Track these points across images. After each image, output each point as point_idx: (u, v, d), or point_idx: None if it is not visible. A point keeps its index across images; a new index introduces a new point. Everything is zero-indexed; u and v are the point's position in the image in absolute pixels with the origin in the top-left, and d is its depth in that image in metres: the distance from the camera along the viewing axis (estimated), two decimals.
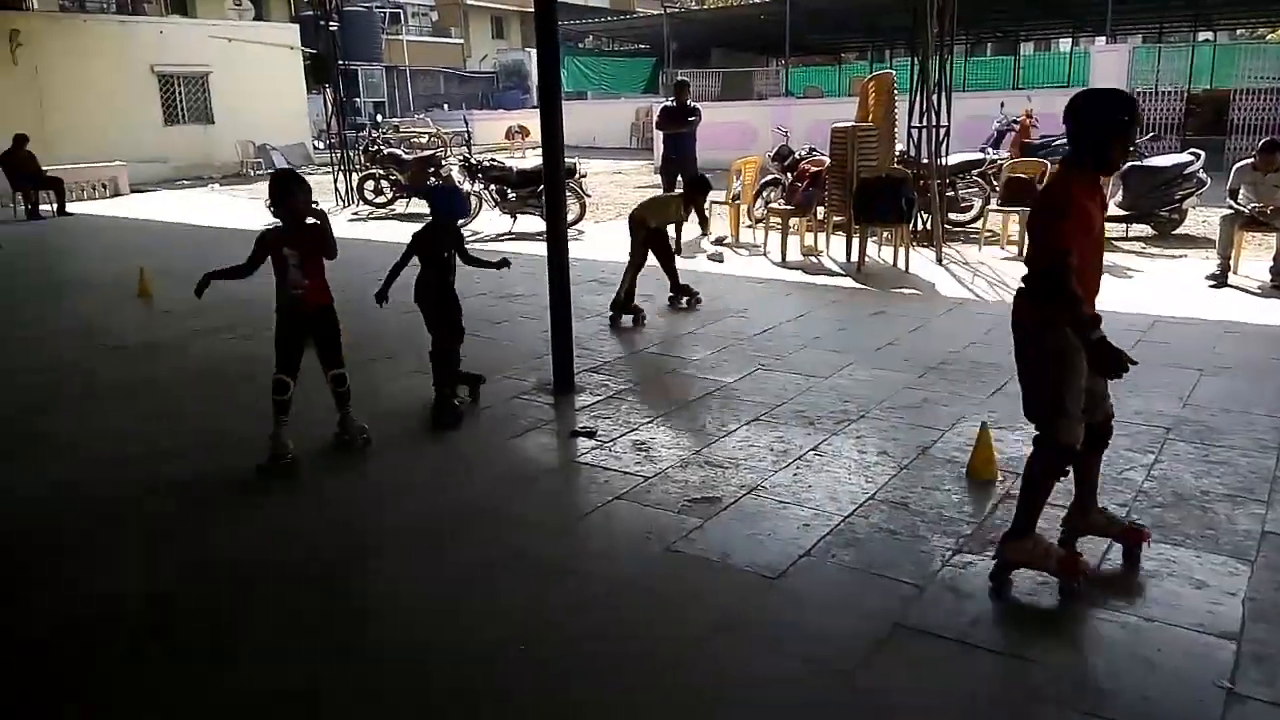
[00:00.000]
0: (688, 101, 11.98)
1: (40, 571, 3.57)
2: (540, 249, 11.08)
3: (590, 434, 4.82)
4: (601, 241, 11.26)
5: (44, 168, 15.75)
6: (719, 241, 10.91)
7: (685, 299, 7.83)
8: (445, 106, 39.36)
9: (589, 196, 12.74)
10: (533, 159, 19.73)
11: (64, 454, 4.80)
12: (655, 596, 3.21)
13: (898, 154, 10.60)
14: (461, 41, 44.85)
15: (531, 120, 32.44)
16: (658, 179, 14.83)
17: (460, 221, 5.63)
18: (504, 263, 5.52)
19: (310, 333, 4.61)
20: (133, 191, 19.23)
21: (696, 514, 3.79)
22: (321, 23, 15.89)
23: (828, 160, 10.23)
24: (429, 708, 2.66)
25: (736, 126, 20.46)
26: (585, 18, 38.40)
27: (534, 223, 12.50)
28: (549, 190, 5.44)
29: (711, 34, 31.64)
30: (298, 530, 3.86)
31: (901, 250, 9.12)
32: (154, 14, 27.46)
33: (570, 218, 12.53)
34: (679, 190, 9.28)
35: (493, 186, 12.48)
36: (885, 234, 9.89)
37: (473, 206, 12.54)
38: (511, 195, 12.48)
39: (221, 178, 22.58)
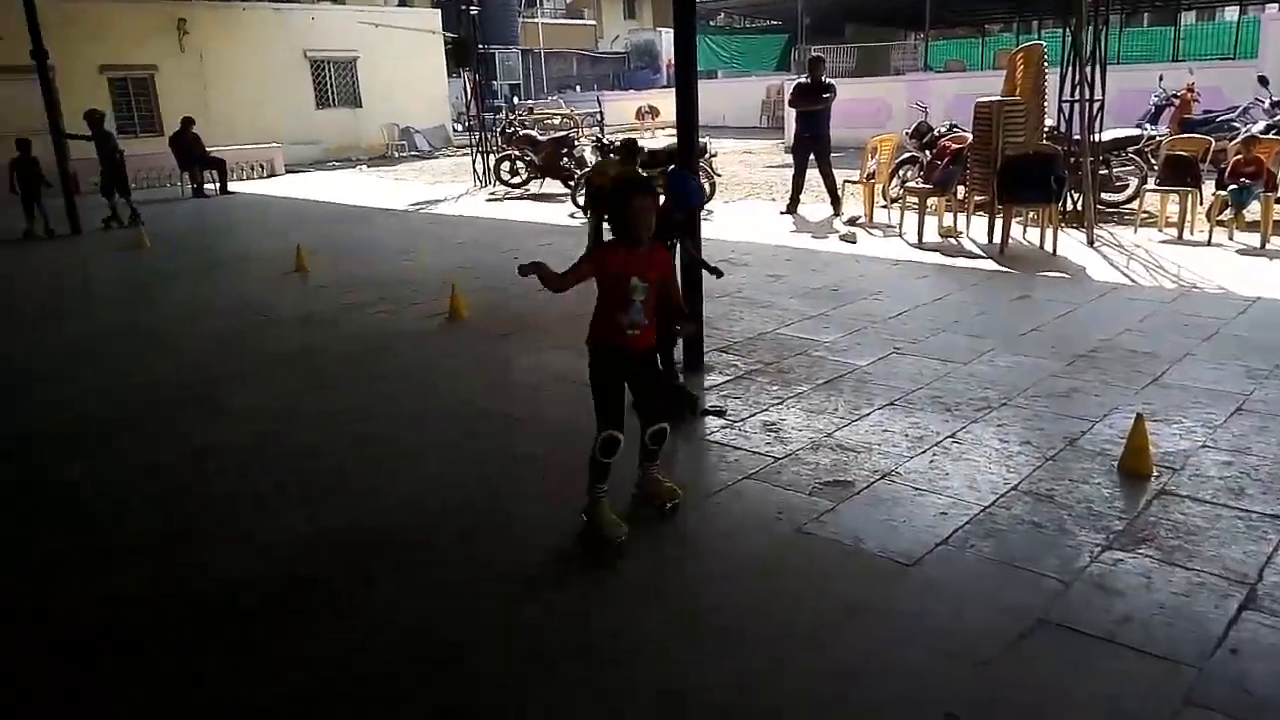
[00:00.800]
0: (822, 78, 11.72)
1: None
2: None
3: (719, 413, 4.82)
4: (730, 221, 11.20)
5: (208, 149, 16.88)
6: (852, 221, 10.68)
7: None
8: (578, 88, 39.88)
9: (719, 176, 12.67)
10: (662, 139, 19.77)
11: (229, 415, 5.16)
12: (785, 577, 3.20)
13: (1047, 130, 10.08)
14: (594, 23, 45.25)
15: (661, 100, 32.54)
16: (788, 157, 14.62)
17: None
18: (718, 271, 4.94)
19: (631, 379, 3.59)
20: (287, 172, 20.39)
21: (828, 497, 3.75)
22: (463, 7, 16.33)
23: (970, 137, 9.83)
24: (549, 672, 2.74)
25: (871, 103, 19.89)
26: None
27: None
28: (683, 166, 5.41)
29: (846, 8, 30.75)
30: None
31: (1049, 231, 8.68)
32: (305, 1, 28.94)
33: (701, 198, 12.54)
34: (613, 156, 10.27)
35: None
36: (1031, 214, 9.45)
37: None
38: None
39: (368, 159, 23.63)
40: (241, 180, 18.55)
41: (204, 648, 2.94)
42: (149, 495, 4.17)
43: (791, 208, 11.92)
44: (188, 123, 16.42)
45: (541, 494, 3.97)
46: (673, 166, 4.70)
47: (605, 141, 12.67)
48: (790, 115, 15.14)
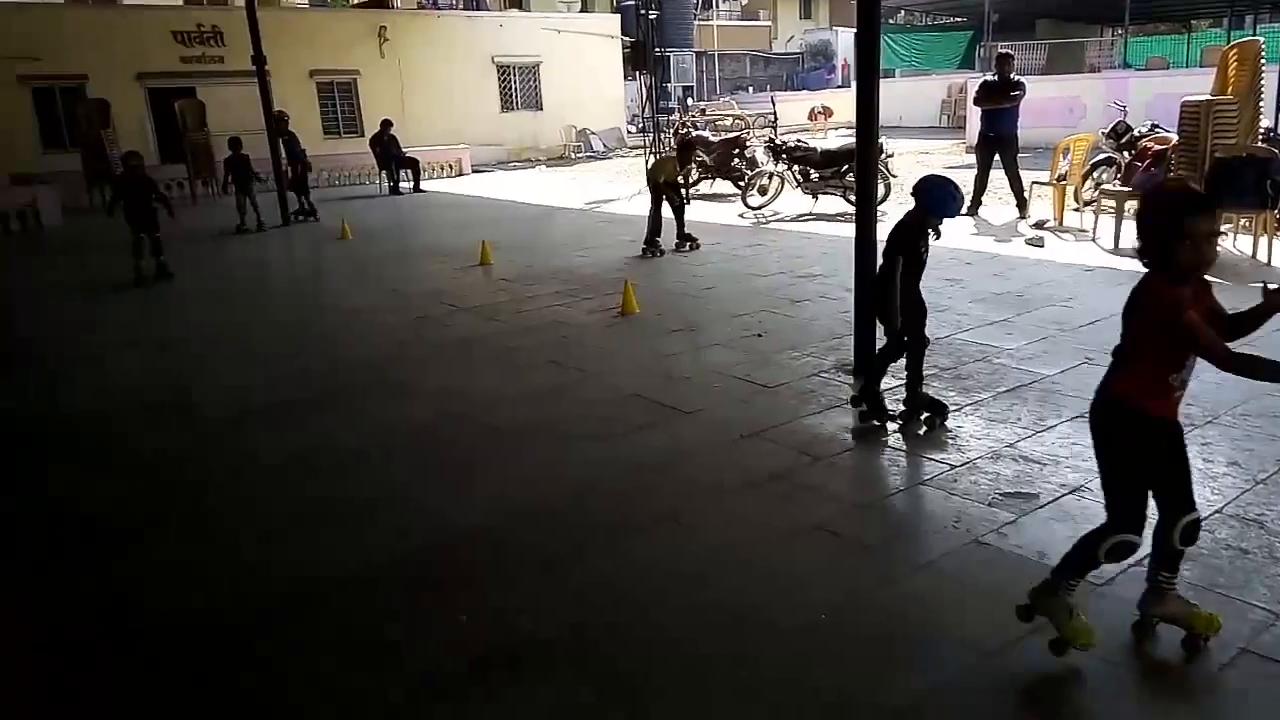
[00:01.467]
0: (1010, 75, 11.21)
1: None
2: (839, 230, 11.12)
3: (893, 416, 4.74)
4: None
5: (403, 149, 18.01)
6: (1039, 225, 10.16)
7: (687, 244, 10.03)
8: (750, 89, 39.78)
9: (895, 177, 12.33)
10: (835, 139, 19.43)
11: (421, 397, 5.52)
12: (962, 586, 3.12)
13: (1262, 131, 9.24)
14: (769, 24, 44.98)
15: (835, 100, 31.96)
16: (969, 158, 14.05)
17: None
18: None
19: (1169, 457, 2.60)
20: (473, 171, 21.45)
21: (1009, 508, 3.62)
22: (641, 12, 16.65)
23: (1174, 137, 9.15)
24: (708, 668, 2.80)
25: (1063, 102, 18.82)
26: None
27: (834, 203, 12.36)
28: (860, 170, 5.35)
29: (1037, 3, 29.17)
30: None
31: (1264, 240, 7.96)
32: (494, 9, 30.31)
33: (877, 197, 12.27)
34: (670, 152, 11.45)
35: (796, 167, 12.49)
36: (1243, 221, 8.68)
37: (776, 186, 12.66)
38: (814, 175, 12.42)
39: (547, 160, 24.51)
40: (432, 179, 19.65)
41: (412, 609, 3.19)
42: (357, 466, 4.53)
43: (972, 209, 11.44)
44: (386, 124, 17.58)
45: (706, 486, 4.03)
46: (929, 174, 4.48)
47: (779, 142, 12.59)
48: (974, 115, 14.54)
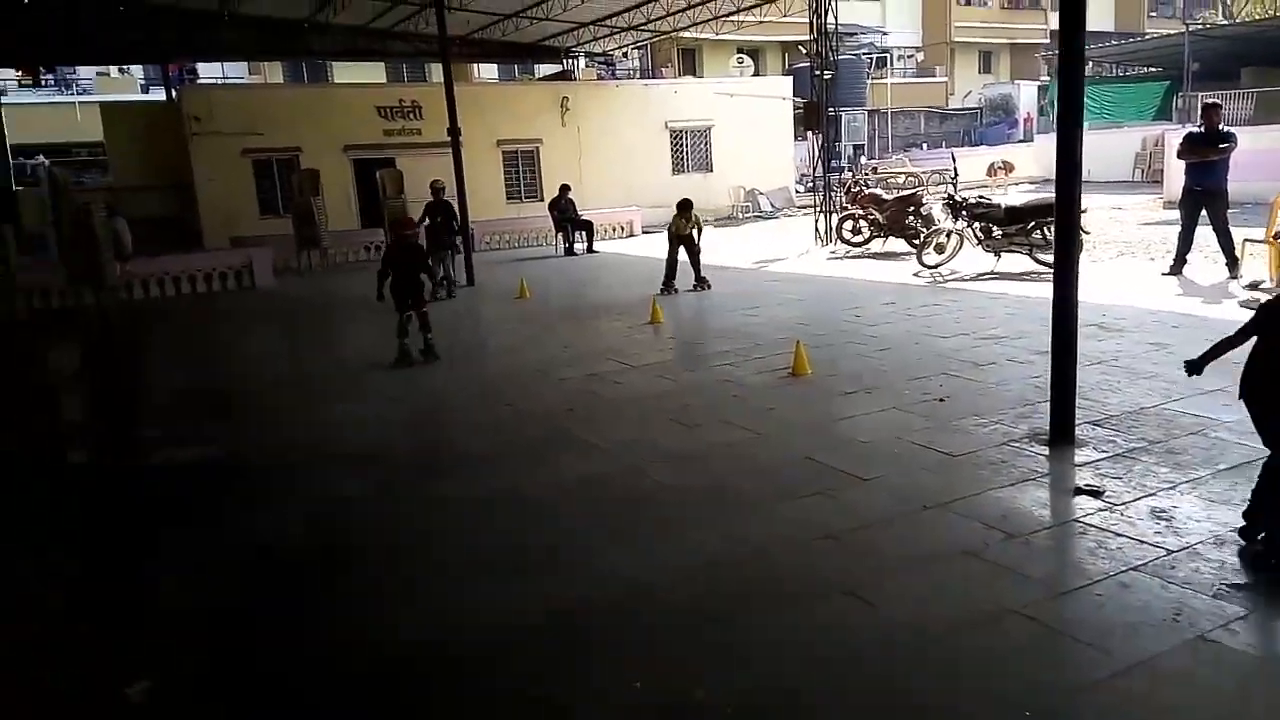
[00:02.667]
0: (1219, 126, 10.40)
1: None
2: (1024, 290, 10.57)
3: (1097, 493, 4.37)
4: (1101, 282, 10.19)
5: (579, 212, 18.68)
6: (1254, 285, 9.27)
7: (700, 286, 12.08)
8: (924, 145, 38.90)
9: (1089, 234, 11.61)
10: (1016, 195, 18.60)
11: (599, 451, 5.59)
12: (1188, 691, 2.79)
13: None
14: (945, 80, 44.03)
15: (1015, 155, 30.74)
16: (1165, 214, 13.09)
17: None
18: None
19: None
20: (643, 232, 21.96)
21: (1240, 601, 3.23)
22: (816, 73, 16.68)
23: None
24: None
25: (1276, 154, 17.24)
26: (1089, 43, 35.41)
27: (1018, 261, 11.79)
28: (1061, 228, 5.05)
29: (1242, 50, 27.16)
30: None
31: None
32: (669, 76, 31.25)
33: None
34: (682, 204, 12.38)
35: (977, 224, 12.01)
36: None
37: (955, 244, 12.21)
38: (997, 233, 11.90)
39: (714, 220, 24.78)
40: (605, 240, 20.25)
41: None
42: (536, 517, 4.62)
43: (1176, 268, 10.62)
44: (564, 189, 18.33)
45: (888, 559, 3.83)
46: None
47: (960, 198, 12.17)
48: (1175, 168, 13.54)
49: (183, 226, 20.40)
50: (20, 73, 30.03)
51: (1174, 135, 12.17)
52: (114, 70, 32.26)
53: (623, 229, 21.66)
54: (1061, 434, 5.15)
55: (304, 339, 10.82)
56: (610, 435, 5.89)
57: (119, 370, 9.99)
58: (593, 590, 3.73)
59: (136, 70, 32.56)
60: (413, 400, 7.44)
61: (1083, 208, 11.38)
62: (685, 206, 12.41)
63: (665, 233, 12.62)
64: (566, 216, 18.24)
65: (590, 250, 18.33)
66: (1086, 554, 3.84)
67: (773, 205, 25.69)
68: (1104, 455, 4.90)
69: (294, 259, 17.48)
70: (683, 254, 12.25)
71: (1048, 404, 5.80)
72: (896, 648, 3.17)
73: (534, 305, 12.17)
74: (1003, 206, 11.88)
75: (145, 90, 31.63)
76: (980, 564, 3.73)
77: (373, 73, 30.45)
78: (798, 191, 27.92)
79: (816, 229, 17.31)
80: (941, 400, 6.11)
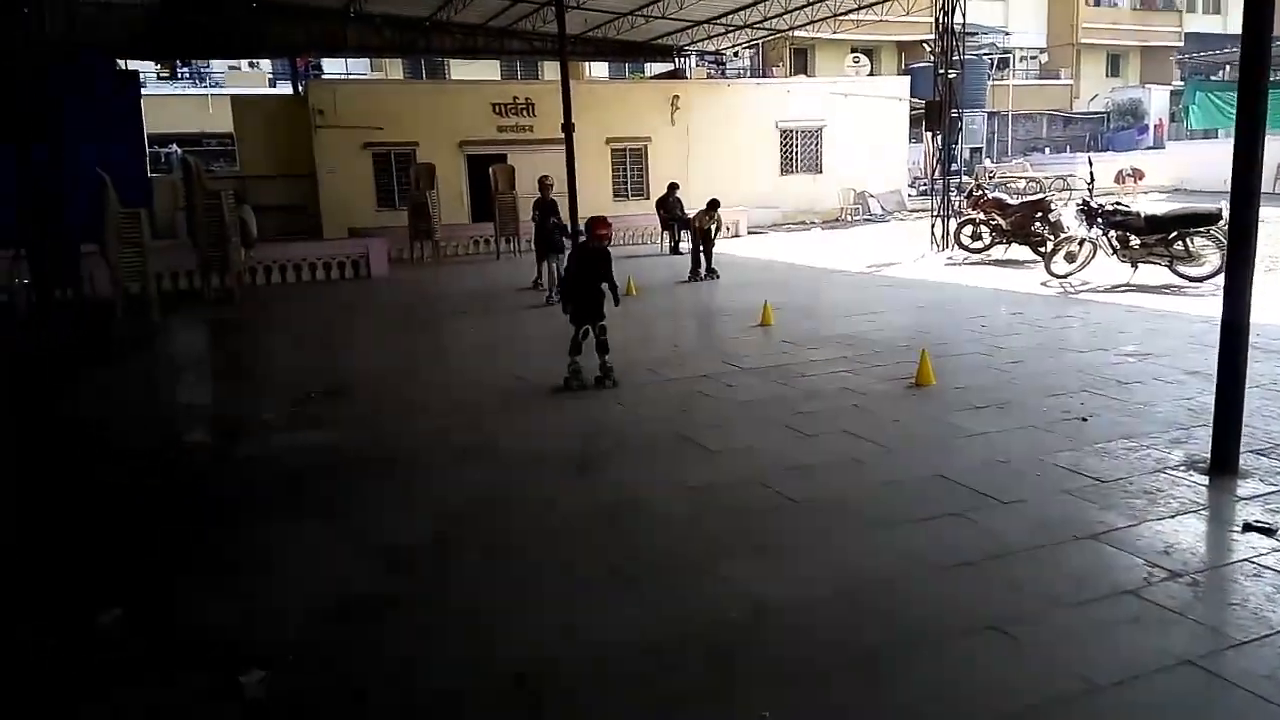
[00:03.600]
0: None
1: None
2: (1164, 303, 9.89)
3: (1270, 531, 3.95)
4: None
5: (685, 212, 18.48)
6: None
7: (710, 276, 13.91)
8: (1047, 150, 37.32)
9: None
10: (1151, 203, 17.55)
11: (716, 456, 5.40)
12: None
13: None
14: (1070, 83, 42.08)
15: (1145, 161, 29.13)
16: None
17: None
18: None
19: None
20: (749, 233, 21.64)
21: None
22: (940, 72, 16.07)
23: None
24: None
25: None
26: (1225, 47, 33.28)
27: (1155, 274, 11.07)
28: (1235, 235, 4.60)
29: None
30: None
31: None
32: (779, 75, 30.76)
33: (1209, 270, 10.83)
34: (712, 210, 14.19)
35: (1113, 233, 11.31)
36: None
37: (1087, 253, 11.54)
38: (1135, 242, 11.19)
39: (822, 222, 24.26)
40: None
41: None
42: (654, 529, 4.46)
43: None
44: (673, 187, 18.18)
45: (1036, 594, 3.52)
46: None
47: (1095, 205, 11.48)
48: None
49: (305, 216, 21.12)
50: (158, 65, 31.68)
51: None
52: (244, 64, 33.76)
53: (729, 229, 21.34)
54: (1223, 463, 4.70)
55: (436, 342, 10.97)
56: (723, 442, 5.68)
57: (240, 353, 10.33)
58: (719, 613, 3.52)
59: (265, 65, 33.98)
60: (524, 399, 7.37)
61: (1227, 218, 10.74)
62: (713, 205, 14.29)
63: (690, 227, 15.03)
64: (674, 216, 18.09)
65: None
66: (1264, 600, 3.44)
67: (883, 208, 24.98)
68: (1273, 489, 4.45)
69: (407, 250, 17.87)
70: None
71: (1203, 429, 5.38)
72: (1054, 694, 2.87)
73: (640, 304, 12.03)
74: (1142, 215, 11.16)
75: (273, 84, 32.99)
76: (1143, 605, 3.39)
77: (487, 70, 30.98)
78: (910, 195, 27.10)
79: (933, 233, 16.69)
80: (1084, 420, 5.69)
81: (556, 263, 11.54)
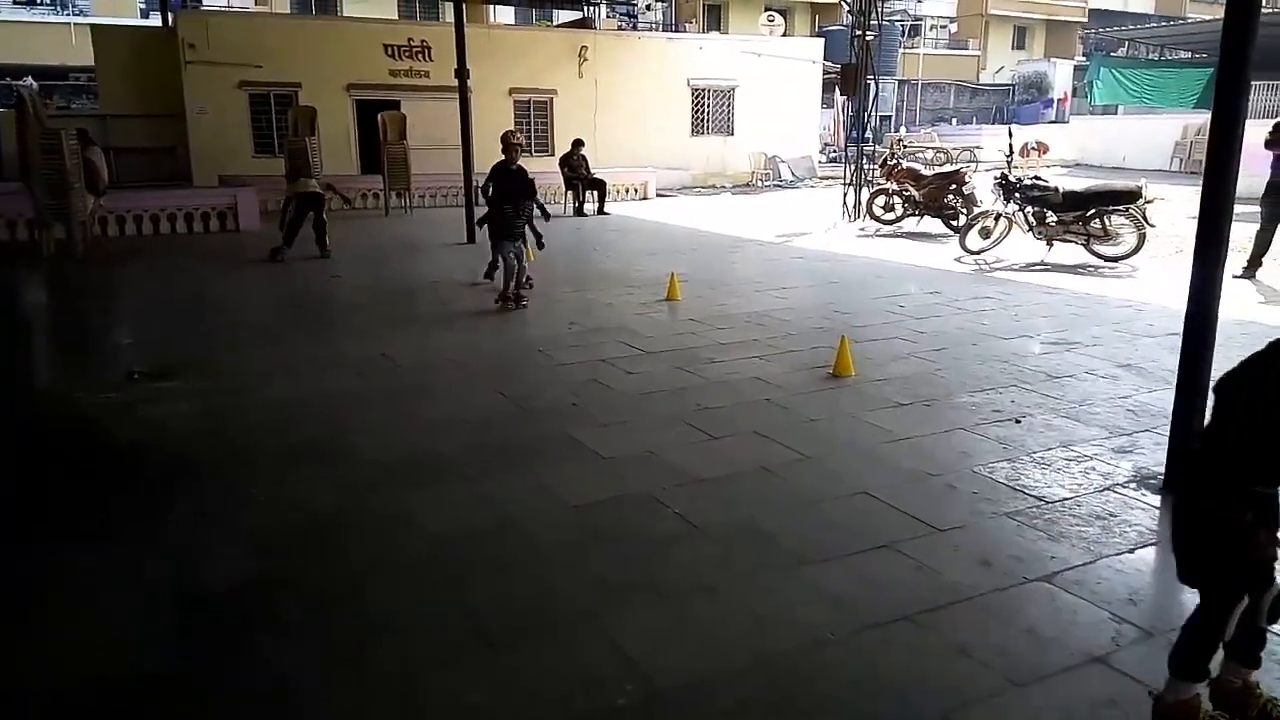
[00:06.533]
0: None
1: None
2: (1085, 285, 9.52)
3: None
4: (1168, 285, 9.15)
5: (591, 170, 17.53)
6: None
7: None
8: (954, 121, 37.58)
9: (1153, 226, 10.58)
10: (1063, 178, 17.51)
11: (599, 462, 4.60)
12: None
13: None
14: (979, 54, 42.45)
15: (1049, 135, 29.45)
16: (1245, 209, 11.97)
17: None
18: None
19: None
20: (657, 195, 20.80)
21: None
22: (858, 33, 15.45)
23: None
24: None
25: None
26: (1126, 24, 33.93)
27: (1070, 253, 10.77)
28: (1204, 225, 4.00)
29: None
30: None
31: None
32: (694, 31, 29.82)
33: (1125, 250, 10.57)
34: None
35: (1030, 208, 10.93)
36: None
37: (1003, 229, 11.14)
38: (1051, 219, 10.84)
39: (733, 186, 23.62)
40: (617, 201, 19.13)
41: None
42: (529, 560, 3.64)
43: (1250, 271, 9.60)
44: (578, 144, 17.16)
45: (990, 666, 2.85)
46: None
47: (1014, 179, 11.07)
48: (1262, 160, 12.26)
49: (174, 160, 19.28)
50: None
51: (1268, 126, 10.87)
52: None
53: (635, 190, 20.55)
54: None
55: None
56: (620, 442, 4.88)
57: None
58: (606, 690, 2.76)
59: None
60: (390, 376, 6.41)
61: (1148, 198, 10.46)
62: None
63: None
64: (578, 174, 17.12)
65: (601, 211, 17.22)
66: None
67: (794, 174, 24.52)
68: None
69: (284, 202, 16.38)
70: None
71: (1146, 435, 4.91)
72: None
73: (536, 269, 11.10)
74: (1060, 191, 10.80)
75: (145, 15, 30.26)
76: (1118, 680, 2.76)
77: (384, 8, 29.06)
78: (820, 162, 26.73)
79: (845, 203, 16.20)
80: (1018, 421, 5.11)
81: (515, 252, 8.60)
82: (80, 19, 29.32)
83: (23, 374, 6.88)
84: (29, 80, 25.89)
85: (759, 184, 24.14)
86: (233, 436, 5.12)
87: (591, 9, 26.49)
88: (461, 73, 13.16)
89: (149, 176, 18.24)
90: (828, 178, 24.12)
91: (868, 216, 14.89)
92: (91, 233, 12.51)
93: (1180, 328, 4.16)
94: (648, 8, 30.31)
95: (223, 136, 18.67)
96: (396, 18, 28.83)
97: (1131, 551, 3.61)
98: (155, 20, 25.24)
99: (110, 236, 13.35)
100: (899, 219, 14.34)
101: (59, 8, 31.07)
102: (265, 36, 19.47)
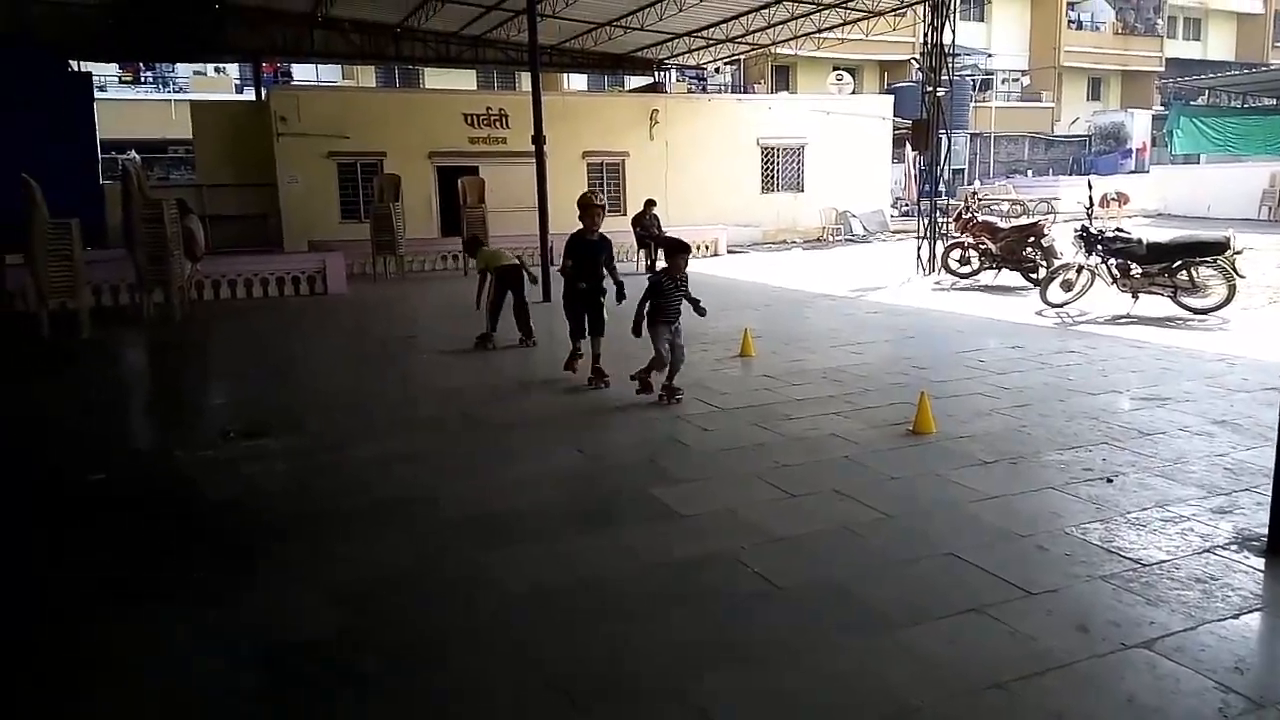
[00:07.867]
0: None
1: None
2: (1172, 338, 9.23)
3: None
4: (1264, 336, 8.80)
5: (662, 229, 17.74)
6: None
7: None
8: (1029, 172, 37.09)
9: (1243, 278, 10.24)
10: (1148, 229, 17.10)
11: (677, 520, 4.60)
12: None
13: None
14: (1052, 105, 41.97)
15: (1129, 185, 28.82)
16: None
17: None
18: None
19: None
20: (729, 252, 20.96)
21: None
22: (929, 89, 15.48)
23: None
24: None
25: None
26: (1205, 73, 33.21)
27: (1156, 305, 10.47)
28: None
29: None
30: None
31: None
32: (762, 91, 30.22)
33: (1214, 302, 10.23)
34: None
35: (1113, 261, 10.70)
36: None
37: (1085, 281, 10.90)
38: (1136, 271, 10.58)
39: (803, 242, 23.65)
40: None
41: None
42: (615, 617, 3.65)
43: None
44: (649, 204, 17.44)
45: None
46: None
47: (1094, 231, 10.86)
48: None
49: (265, 226, 20.21)
50: (120, 69, 30.68)
51: None
52: (210, 70, 32.79)
53: (707, 248, 20.72)
54: None
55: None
56: (701, 501, 4.88)
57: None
58: None
59: (233, 70, 33.04)
60: (479, 437, 6.55)
61: (1237, 248, 10.15)
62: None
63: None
64: (649, 233, 17.36)
65: None
66: None
67: (866, 229, 24.44)
68: None
69: (370, 264, 17.02)
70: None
71: (1246, 495, 4.71)
72: None
73: (611, 326, 11.24)
74: (1144, 242, 10.54)
75: (239, 90, 32.03)
76: None
77: (463, 80, 30.23)
78: (892, 216, 26.60)
79: (919, 256, 16.07)
80: (1110, 480, 4.96)
81: (674, 335, 7.48)
82: (180, 96, 31.21)
83: (125, 433, 7.23)
84: (133, 154, 27.57)
85: (830, 239, 24.12)
86: (316, 497, 5.28)
87: (662, 74, 27.11)
88: (538, 138, 13.57)
89: (242, 242, 19.14)
90: (900, 232, 23.97)
91: (943, 270, 14.74)
92: (189, 297, 13.15)
93: (1278, 382, 4.01)
94: (716, 71, 30.85)
95: (311, 204, 19.54)
96: (475, 88, 29.96)
97: (1236, 617, 3.46)
98: (249, 95, 26.75)
99: (206, 300, 14.01)
100: (975, 272, 14.16)
101: (160, 86, 33.11)
102: (352, 109, 20.45)
